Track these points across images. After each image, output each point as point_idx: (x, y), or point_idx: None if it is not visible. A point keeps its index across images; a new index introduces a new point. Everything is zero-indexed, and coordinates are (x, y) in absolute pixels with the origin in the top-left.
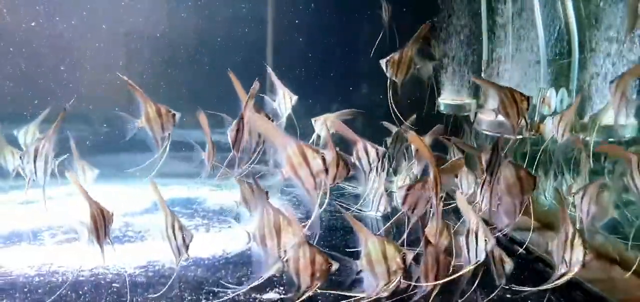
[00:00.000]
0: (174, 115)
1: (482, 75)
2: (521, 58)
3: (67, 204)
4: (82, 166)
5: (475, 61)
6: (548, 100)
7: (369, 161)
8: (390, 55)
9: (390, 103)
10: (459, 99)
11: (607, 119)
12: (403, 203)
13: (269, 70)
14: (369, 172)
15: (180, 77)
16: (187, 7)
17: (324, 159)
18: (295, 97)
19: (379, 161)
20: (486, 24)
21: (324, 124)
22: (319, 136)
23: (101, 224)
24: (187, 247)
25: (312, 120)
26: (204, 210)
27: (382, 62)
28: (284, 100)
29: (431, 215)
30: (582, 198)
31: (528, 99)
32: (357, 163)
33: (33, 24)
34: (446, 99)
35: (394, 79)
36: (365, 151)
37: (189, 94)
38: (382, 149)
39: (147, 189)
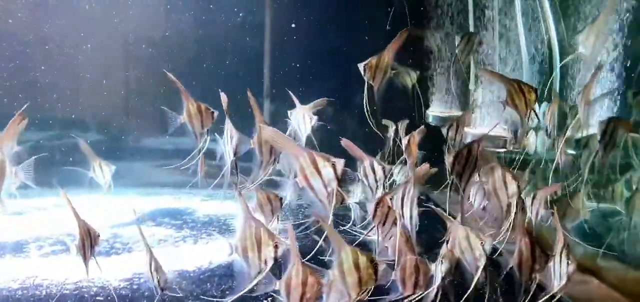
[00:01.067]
0: (212, 113)
1: (470, 90)
2: (506, 72)
3: (56, 215)
4: (98, 163)
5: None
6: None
7: (375, 179)
8: (368, 59)
9: (366, 107)
10: (448, 112)
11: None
12: (373, 217)
13: (290, 93)
14: (376, 190)
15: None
16: (185, 13)
17: (335, 167)
18: (315, 118)
19: (385, 178)
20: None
21: (301, 117)
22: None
23: (88, 243)
24: (162, 289)
25: (289, 112)
26: (193, 221)
27: (361, 65)
28: (304, 120)
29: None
30: (531, 201)
31: (535, 90)
32: (364, 181)
33: (28, 28)
34: (435, 111)
35: (371, 83)
36: (371, 169)
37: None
38: (388, 167)
39: (136, 199)
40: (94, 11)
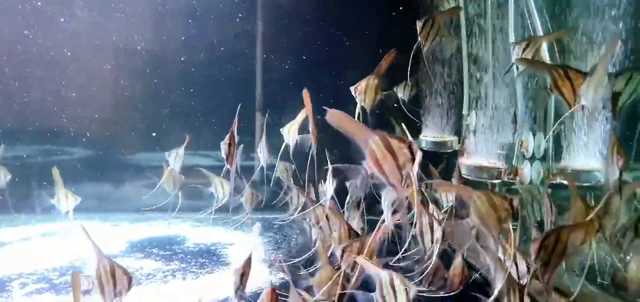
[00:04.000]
0: None
1: (464, 118)
2: (499, 102)
3: (41, 245)
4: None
5: (457, 100)
6: (526, 144)
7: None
8: (358, 82)
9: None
10: (440, 137)
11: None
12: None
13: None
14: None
15: (168, 93)
16: (176, 23)
17: (411, 148)
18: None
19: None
20: (467, 67)
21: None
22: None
23: (110, 286)
24: None
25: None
26: (183, 252)
27: (352, 88)
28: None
29: None
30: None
31: (584, 75)
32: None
33: (18, 39)
34: (428, 136)
35: (363, 104)
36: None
37: (178, 110)
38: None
39: (128, 227)
40: (82, 22)
